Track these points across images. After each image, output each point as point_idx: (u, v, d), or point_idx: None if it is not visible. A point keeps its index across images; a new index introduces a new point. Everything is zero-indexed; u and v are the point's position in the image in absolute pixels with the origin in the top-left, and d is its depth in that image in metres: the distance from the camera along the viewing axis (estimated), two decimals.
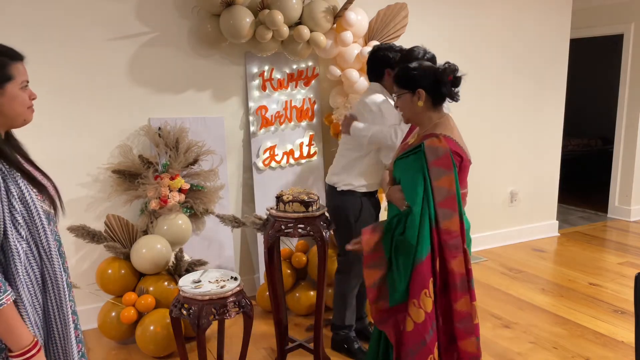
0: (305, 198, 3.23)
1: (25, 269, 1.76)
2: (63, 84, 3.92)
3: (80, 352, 1.95)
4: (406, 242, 2.51)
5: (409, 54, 3.28)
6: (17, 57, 1.80)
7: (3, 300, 1.65)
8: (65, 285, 1.87)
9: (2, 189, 1.70)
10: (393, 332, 2.63)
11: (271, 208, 3.34)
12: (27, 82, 1.84)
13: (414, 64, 2.69)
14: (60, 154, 3.98)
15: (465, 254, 2.59)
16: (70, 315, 1.89)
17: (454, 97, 2.70)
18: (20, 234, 1.74)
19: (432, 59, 3.26)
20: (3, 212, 1.70)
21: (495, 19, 5.77)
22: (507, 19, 5.86)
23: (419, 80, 2.64)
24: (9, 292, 1.67)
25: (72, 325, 1.90)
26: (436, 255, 2.54)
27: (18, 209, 1.73)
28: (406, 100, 2.68)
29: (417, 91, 2.64)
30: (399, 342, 2.63)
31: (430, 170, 2.52)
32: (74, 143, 4.04)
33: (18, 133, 1.89)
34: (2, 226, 1.70)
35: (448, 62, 2.67)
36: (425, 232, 2.51)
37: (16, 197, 1.73)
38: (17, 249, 1.73)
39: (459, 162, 2.58)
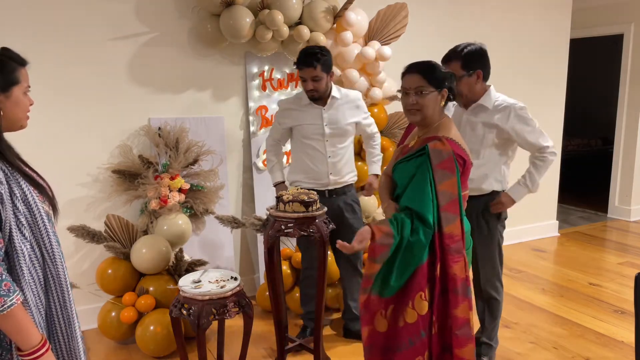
0: (305, 198, 3.20)
1: (29, 270, 1.77)
2: (63, 84, 3.93)
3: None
4: (421, 243, 2.46)
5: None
6: (23, 62, 1.83)
7: (13, 300, 1.65)
8: (68, 285, 1.88)
9: (6, 191, 1.71)
10: (367, 325, 2.60)
11: (271, 208, 3.32)
12: (29, 87, 1.86)
13: (437, 63, 2.65)
14: (60, 154, 3.99)
15: (464, 258, 2.57)
16: (74, 314, 1.89)
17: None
18: (24, 236, 1.75)
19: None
20: (8, 215, 1.70)
21: (495, 18, 5.78)
22: (506, 19, 5.87)
23: (446, 80, 2.61)
24: (18, 292, 1.67)
25: (77, 324, 1.91)
26: (437, 260, 2.51)
27: (21, 211, 1.74)
28: (433, 98, 2.61)
29: (443, 91, 2.61)
30: (376, 335, 2.60)
31: (434, 173, 2.50)
32: (74, 143, 4.05)
33: (16, 132, 1.89)
34: (8, 228, 1.70)
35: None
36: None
37: (19, 198, 1.74)
38: (21, 250, 1.73)
39: (462, 165, 2.56)
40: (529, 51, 6.11)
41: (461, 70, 3.17)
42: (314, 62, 3.45)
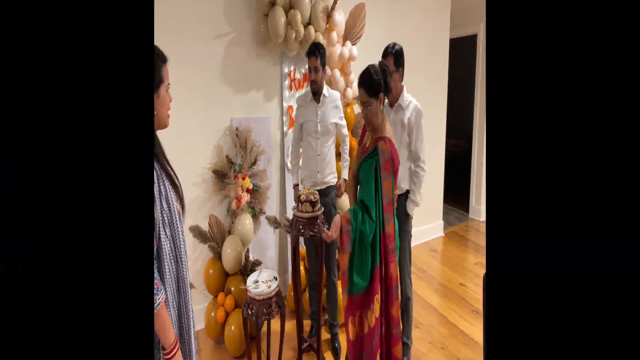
0: (312, 198, 3.27)
1: (169, 268, 1.76)
2: (173, 81, 3.90)
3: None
4: (366, 234, 2.54)
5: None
6: (165, 59, 1.76)
7: (160, 299, 1.66)
8: (188, 284, 1.88)
9: (156, 190, 1.70)
10: (350, 327, 2.68)
11: (294, 208, 3.40)
12: (169, 84, 1.81)
13: (371, 69, 2.64)
14: (177, 153, 4.07)
15: (396, 258, 2.68)
16: (192, 314, 1.90)
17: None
18: (166, 234, 1.74)
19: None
20: (157, 214, 1.70)
21: (384, 18, 5.63)
22: (391, 17, 5.73)
23: (380, 85, 2.62)
24: (162, 290, 1.69)
25: (193, 324, 1.91)
26: (382, 260, 2.61)
27: (165, 209, 1.73)
28: (374, 107, 2.64)
29: (380, 96, 2.63)
30: (349, 344, 2.70)
31: (380, 173, 2.57)
32: (185, 142, 4.14)
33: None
34: (158, 227, 1.70)
35: (380, 61, 2.74)
36: (377, 238, 2.60)
37: (163, 197, 1.73)
38: (164, 248, 1.72)
39: (396, 167, 2.65)
40: (415, 50, 5.98)
41: (393, 66, 3.30)
42: (316, 51, 3.65)
